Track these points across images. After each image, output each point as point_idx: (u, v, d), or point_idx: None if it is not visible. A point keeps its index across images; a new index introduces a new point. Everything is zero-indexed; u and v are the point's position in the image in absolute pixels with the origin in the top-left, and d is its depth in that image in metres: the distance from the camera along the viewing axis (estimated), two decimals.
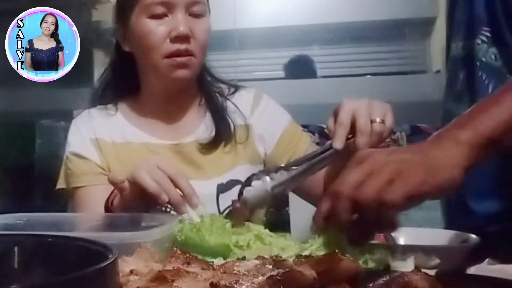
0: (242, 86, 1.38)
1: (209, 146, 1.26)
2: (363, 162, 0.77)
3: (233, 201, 0.97)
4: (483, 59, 1.17)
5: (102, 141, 1.27)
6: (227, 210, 1.21)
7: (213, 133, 1.27)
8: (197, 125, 1.30)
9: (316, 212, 0.79)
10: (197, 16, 1.21)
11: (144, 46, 1.21)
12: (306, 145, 1.30)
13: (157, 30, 1.19)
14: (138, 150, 1.25)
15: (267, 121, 1.32)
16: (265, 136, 1.31)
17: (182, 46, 1.18)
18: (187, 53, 1.19)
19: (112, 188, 1.17)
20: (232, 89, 1.35)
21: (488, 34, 1.17)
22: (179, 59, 1.19)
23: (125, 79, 1.31)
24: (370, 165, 0.76)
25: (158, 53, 1.19)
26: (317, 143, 2.55)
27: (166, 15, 1.19)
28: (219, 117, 1.29)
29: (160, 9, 1.18)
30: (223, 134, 1.27)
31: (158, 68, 1.21)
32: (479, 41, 1.18)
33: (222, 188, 1.23)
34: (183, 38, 1.18)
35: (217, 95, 1.33)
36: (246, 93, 1.35)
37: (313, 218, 0.79)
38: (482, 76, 1.17)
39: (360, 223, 0.76)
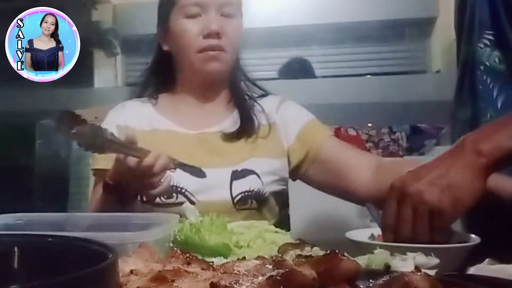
0: (271, 93, 1.49)
1: (231, 137, 1.36)
2: (401, 198, 0.90)
3: None
4: (487, 63, 1.16)
5: (130, 129, 1.35)
6: (239, 196, 1.28)
7: (237, 127, 1.37)
8: (224, 118, 1.40)
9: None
10: (228, 16, 1.34)
11: (180, 43, 1.34)
12: (323, 139, 1.38)
13: (191, 28, 1.32)
14: (163, 136, 1.36)
15: (289, 117, 1.42)
16: (288, 130, 1.40)
17: (213, 42, 1.31)
18: (218, 48, 1.32)
19: None
20: (262, 92, 1.47)
21: (491, 37, 1.16)
22: (210, 52, 1.31)
23: (164, 76, 1.44)
24: (409, 202, 0.89)
25: (192, 48, 1.32)
26: None
27: (199, 15, 1.32)
28: (246, 114, 1.39)
29: (194, 10, 1.32)
30: (246, 129, 1.37)
31: (192, 63, 1.33)
32: (481, 45, 1.17)
33: (237, 175, 1.30)
34: (214, 35, 1.31)
35: (247, 96, 1.44)
36: (273, 97, 1.47)
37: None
38: (486, 80, 1.16)
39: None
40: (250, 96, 1.45)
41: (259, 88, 1.48)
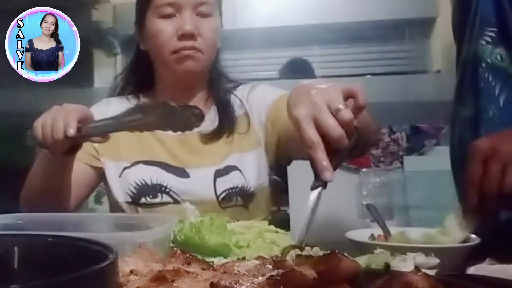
0: (243, 83, 1.47)
1: (211, 137, 1.35)
2: (489, 156, 0.91)
3: None
4: (489, 61, 1.16)
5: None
6: (224, 194, 1.29)
7: (215, 125, 1.36)
8: None
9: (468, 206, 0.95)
10: (204, 16, 1.31)
11: (155, 44, 1.32)
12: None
13: (166, 29, 1.29)
14: (147, 137, 1.35)
15: (256, 103, 1.40)
16: (258, 117, 1.38)
17: (188, 43, 1.28)
18: (193, 49, 1.29)
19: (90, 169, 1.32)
20: (235, 84, 1.46)
21: (493, 34, 1.15)
22: (185, 52, 1.29)
23: (143, 74, 1.42)
24: (500, 159, 0.91)
25: (167, 49, 1.30)
26: None
27: (174, 15, 1.30)
28: (223, 111, 1.38)
29: (168, 10, 1.29)
30: (225, 127, 1.36)
31: (167, 63, 1.31)
32: (483, 42, 1.17)
33: (220, 173, 1.31)
34: (189, 36, 1.28)
35: (224, 92, 1.42)
36: (243, 86, 1.45)
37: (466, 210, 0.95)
38: (488, 78, 1.16)
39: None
40: (227, 89, 1.43)
41: (231, 80, 1.46)
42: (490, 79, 1.16)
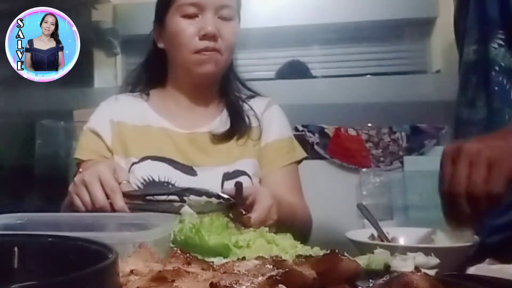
0: (259, 95, 1.50)
1: (221, 138, 1.37)
2: (457, 156, 0.90)
3: None
4: (502, 64, 1.14)
5: (123, 124, 1.37)
6: None
7: (227, 127, 1.38)
8: (213, 118, 1.41)
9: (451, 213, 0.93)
10: (225, 19, 1.34)
11: (176, 42, 1.34)
12: (275, 166, 1.38)
13: (188, 29, 1.32)
14: (156, 133, 1.37)
15: (268, 125, 1.42)
16: (264, 136, 1.41)
17: (209, 44, 1.31)
18: (214, 50, 1.32)
19: None
20: (250, 94, 1.48)
21: (503, 36, 1.14)
22: (207, 53, 1.31)
23: (155, 72, 1.45)
24: (466, 157, 0.89)
25: (188, 49, 1.32)
26: (317, 143, 2.55)
27: (197, 16, 1.32)
28: (235, 114, 1.41)
29: (191, 10, 1.32)
30: (237, 129, 1.38)
31: (187, 63, 1.34)
32: (495, 45, 1.15)
33: (228, 176, 1.32)
34: (211, 37, 1.31)
35: (236, 96, 1.45)
36: (261, 100, 1.47)
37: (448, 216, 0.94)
38: (503, 81, 1.14)
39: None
40: (239, 97, 1.46)
41: (248, 89, 1.49)
42: (505, 82, 1.14)
